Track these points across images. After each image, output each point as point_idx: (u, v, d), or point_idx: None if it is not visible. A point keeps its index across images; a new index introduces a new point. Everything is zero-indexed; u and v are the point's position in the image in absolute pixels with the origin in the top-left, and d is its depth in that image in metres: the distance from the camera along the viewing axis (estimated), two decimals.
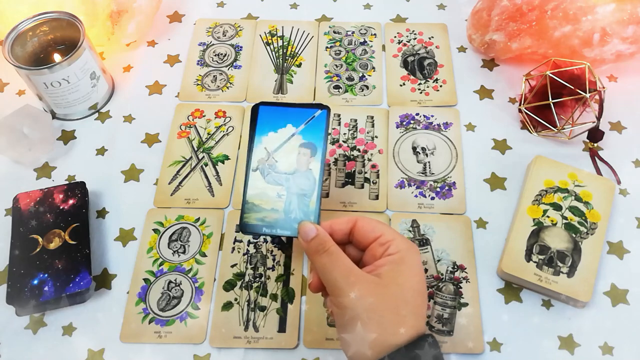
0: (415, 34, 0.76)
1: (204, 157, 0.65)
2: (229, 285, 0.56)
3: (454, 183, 0.62)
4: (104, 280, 0.57)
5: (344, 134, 0.67)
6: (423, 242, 0.58)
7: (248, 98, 0.71)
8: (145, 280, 0.57)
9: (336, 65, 0.73)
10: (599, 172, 0.62)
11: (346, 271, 0.43)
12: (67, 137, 0.68)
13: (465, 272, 0.56)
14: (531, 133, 0.66)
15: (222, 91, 0.71)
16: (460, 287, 0.55)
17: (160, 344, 0.53)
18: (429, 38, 0.76)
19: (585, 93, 0.59)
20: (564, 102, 0.61)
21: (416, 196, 0.62)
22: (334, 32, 0.77)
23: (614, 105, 0.67)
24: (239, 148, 0.66)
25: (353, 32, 0.77)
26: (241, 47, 0.76)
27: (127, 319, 0.55)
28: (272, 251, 0.58)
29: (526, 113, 0.64)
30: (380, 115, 0.68)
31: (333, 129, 0.67)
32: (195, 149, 0.66)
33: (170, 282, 0.57)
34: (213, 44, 0.76)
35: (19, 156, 0.64)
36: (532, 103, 0.63)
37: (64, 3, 0.69)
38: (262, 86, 0.72)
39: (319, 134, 0.51)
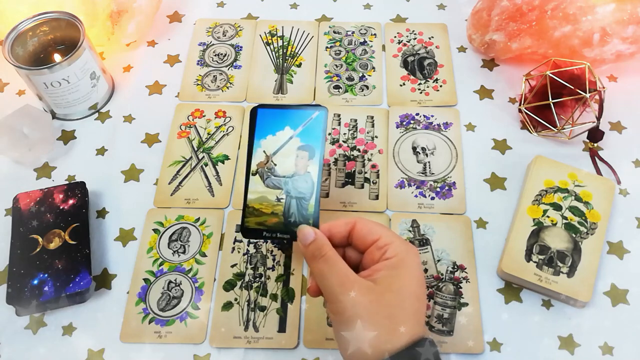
0: (415, 34, 0.76)
1: (204, 157, 0.65)
2: (229, 285, 0.56)
3: (454, 183, 0.62)
4: (104, 280, 0.57)
5: (344, 134, 0.67)
6: (423, 242, 0.58)
7: (248, 98, 0.71)
8: (145, 280, 0.57)
9: (336, 65, 0.73)
10: (599, 172, 0.62)
11: (342, 278, 0.43)
12: (67, 137, 0.68)
13: (465, 272, 0.56)
14: (531, 133, 0.66)
15: (222, 91, 0.71)
16: (460, 287, 0.55)
17: (160, 344, 0.53)
18: (429, 38, 0.76)
19: (585, 93, 0.59)
20: (564, 102, 0.61)
21: (416, 196, 0.62)
22: (334, 32, 0.77)
23: (614, 105, 0.67)
24: (239, 148, 0.66)
25: (353, 32, 0.77)
26: (241, 47, 0.76)
27: (127, 319, 0.55)
28: (272, 251, 0.58)
29: (526, 113, 0.64)
30: (380, 115, 0.68)
31: (333, 129, 0.67)
32: (195, 149, 0.66)
33: (170, 282, 0.57)
34: (213, 44, 0.77)
35: (19, 156, 0.64)
36: (532, 103, 0.63)
37: (64, 3, 0.69)
38: (262, 86, 0.72)
39: (316, 135, 0.50)
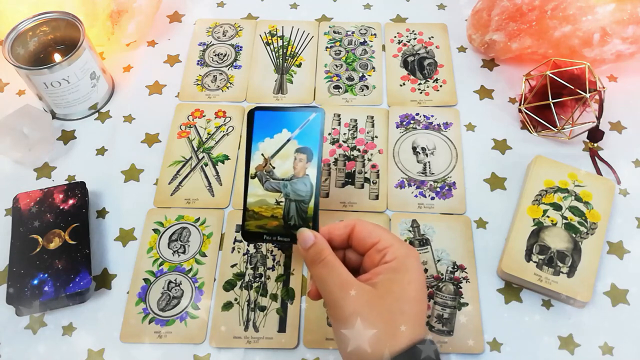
0: (415, 34, 0.76)
1: (204, 157, 0.65)
2: (229, 285, 0.56)
3: (454, 183, 0.62)
4: (104, 280, 0.57)
5: (344, 134, 0.67)
6: (423, 242, 0.58)
7: (248, 98, 0.71)
8: (145, 280, 0.57)
9: (336, 65, 0.73)
10: (599, 172, 0.62)
11: (341, 282, 0.43)
12: (67, 137, 0.68)
13: (465, 272, 0.56)
14: (531, 133, 0.66)
15: (222, 91, 0.71)
16: (460, 287, 0.55)
17: (160, 344, 0.53)
18: (429, 38, 0.76)
19: (585, 93, 0.59)
20: (564, 102, 0.61)
21: (416, 196, 0.62)
22: (334, 32, 0.77)
23: (614, 105, 0.67)
24: (239, 148, 0.66)
25: (353, 32, 0.77)
26: (241, 47, 0.76)
27: (127, 319, 0.55)
28: (272, 251, 0.58)
29: (526, 113, 0.64)
30: (380, 115, 0.68)
31: (333, 128, 0.67)
32: (195, 149, 0.66)
33: (170, 282, 0.57)
34: (213, 44, 0.77)
35: (19, 156, 0.64)
36: (532, 103, 0.63)
37: (64, 3, 0.69)
38: (262, 86, 0.72)
39: (314, 138, 0.50)
